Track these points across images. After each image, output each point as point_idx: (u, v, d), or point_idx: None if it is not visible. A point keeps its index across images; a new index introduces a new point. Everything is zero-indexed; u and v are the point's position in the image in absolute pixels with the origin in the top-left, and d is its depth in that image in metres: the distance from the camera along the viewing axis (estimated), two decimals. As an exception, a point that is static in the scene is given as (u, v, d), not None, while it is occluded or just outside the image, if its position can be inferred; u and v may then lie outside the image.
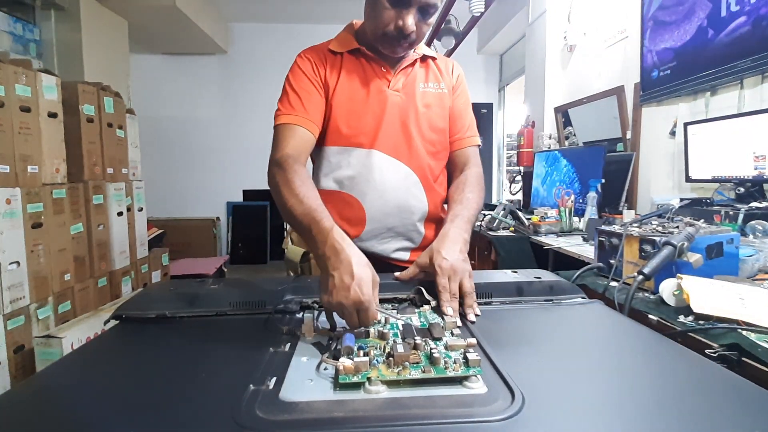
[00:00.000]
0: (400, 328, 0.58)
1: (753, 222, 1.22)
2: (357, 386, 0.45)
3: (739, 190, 1.53)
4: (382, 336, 0.55)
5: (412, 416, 0.40)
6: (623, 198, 2.18)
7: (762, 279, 0.95)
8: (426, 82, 1.00)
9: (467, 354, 0.48)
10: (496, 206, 2.60)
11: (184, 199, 5.22)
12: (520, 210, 2.37)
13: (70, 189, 1.98)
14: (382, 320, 0.61)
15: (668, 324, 0.76)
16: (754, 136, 1.46)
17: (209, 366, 0.52)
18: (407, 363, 0.47)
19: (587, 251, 1.59)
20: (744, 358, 0.63)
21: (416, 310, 0.68)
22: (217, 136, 5.20)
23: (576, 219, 2.14)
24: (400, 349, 0.48)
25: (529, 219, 2.16)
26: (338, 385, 0.45)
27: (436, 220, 1.04)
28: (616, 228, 1.07)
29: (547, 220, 2.07)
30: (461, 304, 0.69)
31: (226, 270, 3.96)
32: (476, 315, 0.67)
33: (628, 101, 2.40)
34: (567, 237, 1.99)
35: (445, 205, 1.03)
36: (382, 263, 0.99)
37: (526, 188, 3.22)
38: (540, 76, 3.30)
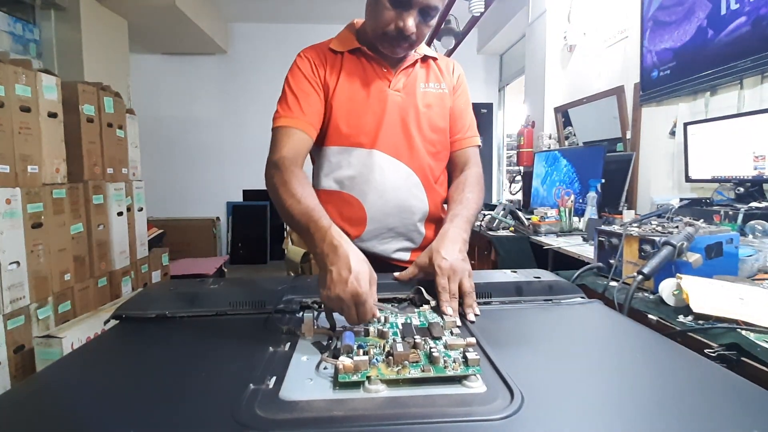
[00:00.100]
0: (400, 327, 0.58)
1: (752, 222, 1.22)
2: (356, 385, 0.45)
3: (738, 190, 1.53)
4: (381, 335, 0.55)
5: (412, 415, 0.40)
6: (623, 198, 2.18)
7: (761, 279, 0.95)
8: (427, 82, 1.00)
9: (466, 353, 0.48)
10: (496, 206, 2.60)
11: (184, 199, 5.22)
12: (520, 210, 2.37)
13: (70, 189, 1.98)
14: (382, 319, 0.61)
15: (668, 324, 0.76)
16: (754, 136, 1.46)
17: (209, 365, 0.52)
18: (407, 362, 0.47)
19: (587, 251, 1.59)
20: (743, 358, 0.63)
21: (416, 310, 0.68)
22: (217, 136, 5.20)
23: (576, 219, 2.14)
24: (399, 348, 0.48)
25: (529, 219, 2.16)
26: (338, 384, 0.45)
27: (436, 221, 1.04)
28: (615, 228, 1.07)
29: (546, 220, 2.07)
30: (461, 303, 0.69)
31: (226, 270, 3.96)
32: (476, 315, 0.68)
33: (628, 101, 2.40)
34: (567, 237, 1.99)
35: (445, 205, 1.03)
36: (382, 263, 0.99)
37: (526, 188, 3.23)
38: (540, 76, 3.30)
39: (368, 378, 0.45)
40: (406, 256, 1.02)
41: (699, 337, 0.70)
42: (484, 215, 2.43)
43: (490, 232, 2.25)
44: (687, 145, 1.74)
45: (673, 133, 2.04)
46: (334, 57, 0.97)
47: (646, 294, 0.91)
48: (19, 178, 1.71)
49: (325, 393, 0.44)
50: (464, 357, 0.48)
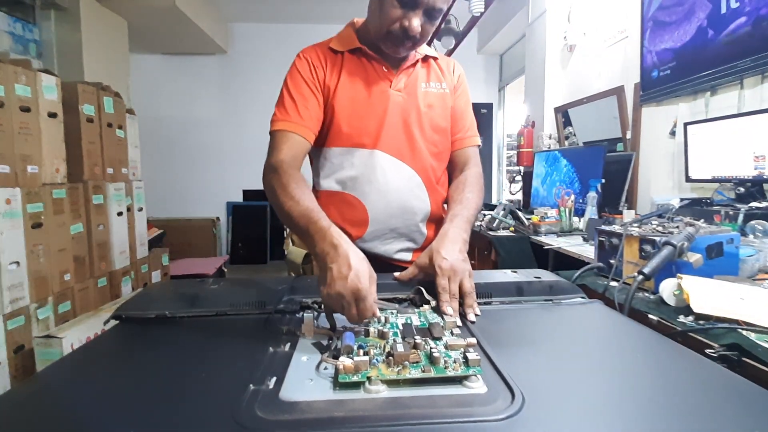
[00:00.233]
0: (400, 327, 0.58)
1: (753, 222, 1.22)
2: (357, 386, 0.45)
3: (739, 190, 1.53)
4: (382, 335, 0.55)
5: (412, 416, 0.40)
6: (623, 198, 2.17)
7: (762, 279, 0.95)
8: (428, 82, 1.00)
9: (467, 353, 0.48)
10: (496, 206, 2.60)
11: (184, 199, 5.21)
12: (520, 210, 2.37)
13: (70, 189, 1.98)
14: (382, 319, 0.61)
15: (668, 324, 0.76)
16: (754, 136, 1.46)
17: (209, 366, 0.52)
18: (407, 362, 0.47)
19: (587, 251, 1.59)
20: (744, 358, 0.63)
21: (416, 310, 0.68)
22: (217, 136, 5.20)
23: (576, 219, 2.14)
24: (400, 348, 0.48)
25: (529, 219, 2.16)
26: (338, 384, 0.45)
27: (438, 221, 1.03)
28: (616, 228, 1.07)
29: (547, 220, 2.07)
30: (461, 304, 0.69)
31: (226, 270, 3.96)
32: (476, 315, 0.67)
33: (628, 101, 2.40)
34: (567, 237, 1.99)
35: (445, 205, 1.03)
36: (384, 264, 0.99)
37: (526, 188, 3.22)
38: (540, 76, 3.30)
39: (368, 378, 0.45)
40: (407, 256, 1.02)
41: (700, 338, 0.70)
42: (484, 215, 2.43)
43: (490, 232, 2.25)
44: (687, 145, 1.74)
45: (673, 133, 2.04)
46: (335, 57, 0.96)
47: (647, 294, 0.91)
48: (19, 178, 1.71)
49: (325, 393, 0.44)
50: (465, 357, 0.48)
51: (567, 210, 2.09)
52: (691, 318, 0.75)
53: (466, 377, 0.46)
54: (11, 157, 1.68)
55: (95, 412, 0.42)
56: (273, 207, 0.80)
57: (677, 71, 1.99)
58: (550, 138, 3.13)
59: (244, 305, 0.70)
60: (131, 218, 2.50)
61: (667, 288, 0.84)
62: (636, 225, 1.07)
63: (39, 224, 1.78)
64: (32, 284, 1.73)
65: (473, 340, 0.52)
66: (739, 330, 0.67)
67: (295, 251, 1.03)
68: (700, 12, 1.85)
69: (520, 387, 0.44)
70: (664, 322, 0.78)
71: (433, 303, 0.69)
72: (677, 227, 0.97)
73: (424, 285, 0.73)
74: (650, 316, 0.81)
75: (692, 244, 0.88)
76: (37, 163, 1.81)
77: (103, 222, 2.23)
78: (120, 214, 2.37)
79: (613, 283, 0.97)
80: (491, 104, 4.78)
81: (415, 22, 0.85)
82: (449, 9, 3.09)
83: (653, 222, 1.08)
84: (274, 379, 0.46)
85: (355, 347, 0.50)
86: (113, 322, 0.67)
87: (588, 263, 1.13)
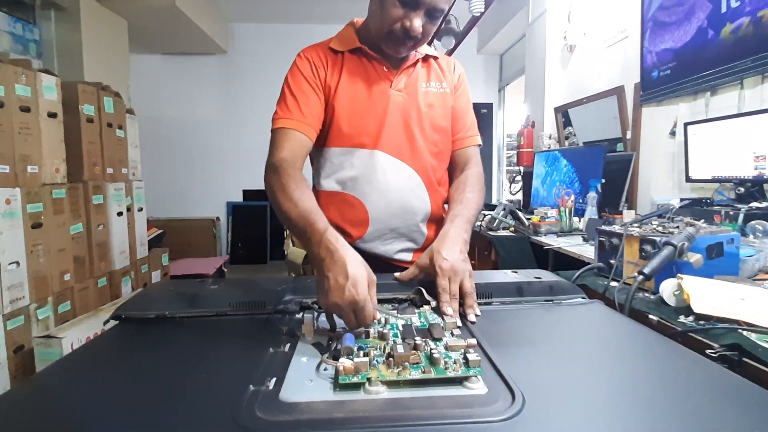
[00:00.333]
0: (400, 328, 0.58)
1: (753, 222, 1.22)
2: (357, 387, 0.45)
3: (739, 190, 1.53)
4: (382, 336, 0.55)
5: (412, 417, 0.40)
6: (623, 198, 2.17)
7: (762, 279, 0.95)
8: (428, 82, 0.99)
9: (467, 354, 0.48)
10: (496, 206, 2.60)
11: (184, 199, 5.21)
12: (520, 210, 2.37)
13: (69, 189, 1.98)
14: (382, 320, 0.60)
15: (668, 324, 0.76)
16: (754, 136, 1.46)
17: (209, 366, 0.52)
18: (407, 363, 0.47)
19: (587, 251, 1.59)
20: (745, 359, 0.63)
21: (416, 311, 0.68)
22: (218, 136, 5.20)
23: (576, 219, 2.14)
24: (400, 349, 0.48)
25: (529, 219, 2.16)
26: (338, 385, 0.45)
27: (438, 221, 1.03)
28: (616, 228, 1.07)
29: (547, 220, 2.07)
30: (461, 304, 0.69)
31: (226, 270, 3.96)
32: (476, 315, 0.67)
33: (628, 101, 2.40)
34: (567, 237, 1.99)
35: (446, 205, 1.03)
36: (385, 264, 0.99)
37: (526, 188, 3.22)
38: (540, 76, 3.30)
39: (369, 379, 0.45)
40: (408, 256, 1.02)
41: (700, 338, 0.70)
42: (484, 215, 2.43)
43: (491, 233, 2.25)
44: (687, 145, 1.74)
45: (673, 133, 2.04)
46: (335, 57, 0.96)
47: (647, 294, 0.91)
48: (19, 178, 1.71)
49: (325, 394, 0.44)
50: (465, 358, 0.48)
51: (567, 210, 2.09)
52: (691, 318, 0.75)
53: (466, 378, 0.45)
54: (11, 157, 1.68)
55: (95, 413, 0.42)
56: (272, 207, 0.80)
57: (677, 71, 1.99)
58: (550, 138, 3.13)
59: (244, 305, 0.70)
60: (131, 218, 2.50)
61: (667, 288, 0.84)
62: (636, 225, 1.07)
63: (39, 224, 1.78)
64: (32, 284, 1.73)
65: (473, 341, 0.52)
66: (740, 330, 0.67)
67: (295, 251, 1.03)
68: (700, 12, 1.85)
69: (521, 388, 0.43)
70: (664, 322, 0.77)
71: (434, 303, 0.69)
72: (677, 227, 0.97)
73: (424, 285, 0.73)
74: (650, 316, 0.81)
75: (692, 245, 0.88)
76: (37, 163, 1.81)
77: (103, 222, 2.23)
78: (120, 214, 2.37)
79: (614, 284, 0.97)
80: (491, 104, 4.78)
81: (417, 23, 0.84)
82: (450, 9, 3.09)
83: (653, 222, 1.08)
84: (274, 379, 0.46)
85: (355, 348, 0.50)
86: (113, 322, 0.67)
87: (588, 263, 1.13)
